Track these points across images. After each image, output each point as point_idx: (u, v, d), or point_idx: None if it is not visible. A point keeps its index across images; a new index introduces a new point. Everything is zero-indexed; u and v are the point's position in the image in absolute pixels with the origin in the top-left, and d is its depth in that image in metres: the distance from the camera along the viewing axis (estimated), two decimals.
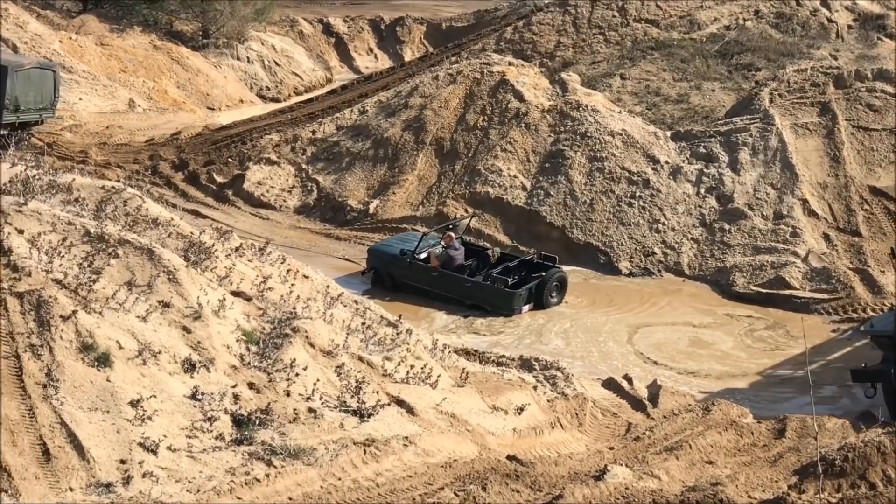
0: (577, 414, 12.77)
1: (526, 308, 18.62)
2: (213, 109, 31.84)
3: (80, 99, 28.27)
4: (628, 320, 18.41)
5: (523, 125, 22.79)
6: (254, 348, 11.36)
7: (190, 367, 10.69)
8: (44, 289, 10.44)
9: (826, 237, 20.47)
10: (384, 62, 38.83)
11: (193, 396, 10.40)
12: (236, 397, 10.49)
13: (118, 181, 16.05)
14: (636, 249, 20.52)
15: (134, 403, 9.88)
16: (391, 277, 19.35)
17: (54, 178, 13.23)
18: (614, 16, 27.20)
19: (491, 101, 23.37)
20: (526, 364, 14.76)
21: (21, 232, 11.10)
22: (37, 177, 13.09)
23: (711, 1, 27.08)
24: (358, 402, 10.76)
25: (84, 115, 27.56)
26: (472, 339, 17.52)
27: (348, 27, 41.34)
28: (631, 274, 20.24)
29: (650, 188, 21.14)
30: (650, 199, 21.27)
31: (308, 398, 10.57)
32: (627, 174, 21.39)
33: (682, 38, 25.55)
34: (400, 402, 11.16)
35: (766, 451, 12.56)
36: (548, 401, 12.92)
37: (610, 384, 14.54)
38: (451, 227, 19.76)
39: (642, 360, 16.89)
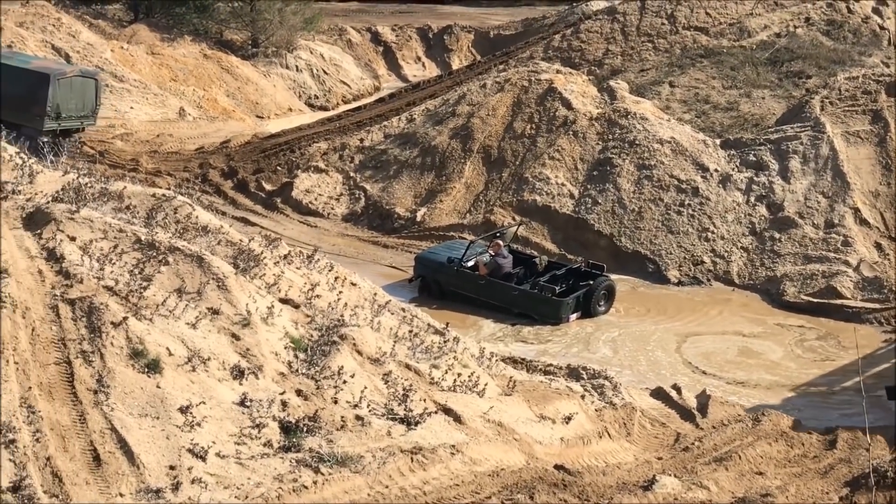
0: (625, 424, 12.69)
1: (573, 316, 18.54)
2: (263, 118, 32.05)
3: (132, 108, 28.54)
4: (677, 329, 18.28)
5: (571, 133, 22.73)
6: (302, 355, 11.39)
7: (239, 373, 10.74)
8: (95, 295, 10.54)
9: (878, 246, 20.22)
10: (432, 70, 38.91)
11: (242, 403, 10.45)
12: (284, 404, 10.53)
13: (169, 189, 16.18)
14: (685, 258, 20.39)
15: (183, 410, 9.94)
16: (438, 285, 19.35)
17: (106, 186, 13.35)
18: (663, 23, 27.07)
19: (539, 109, 23.34)
20: (574, 373, 14.70)
21: (73, 239, 11.21)
22: (89, 185, 13.21)
23: (761, 8, 26.90)
24: (405, 409, 10.76)
25: (135, 124, 27.83)
26: (519, 347, 17.47)
27: (396, 36, 41.48)
28: (680, 283, 20.10)
29: (699, 196, 21.00)
30: (699, 208, 21.12)
31: (355, 406, 10.58)
32: (676, 182, 21.27)
33: (731, 46, 25.37)
34: (447, 411, 11.15)
35: (816, 462, 12.43)
36: (595, 410, 12.85)
37: (658, 394, 14.44)
38: (498, 235, 19.70)
39: (691, 369, 16.76)
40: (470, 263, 19.20)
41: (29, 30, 29.78)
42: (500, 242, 19.32)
